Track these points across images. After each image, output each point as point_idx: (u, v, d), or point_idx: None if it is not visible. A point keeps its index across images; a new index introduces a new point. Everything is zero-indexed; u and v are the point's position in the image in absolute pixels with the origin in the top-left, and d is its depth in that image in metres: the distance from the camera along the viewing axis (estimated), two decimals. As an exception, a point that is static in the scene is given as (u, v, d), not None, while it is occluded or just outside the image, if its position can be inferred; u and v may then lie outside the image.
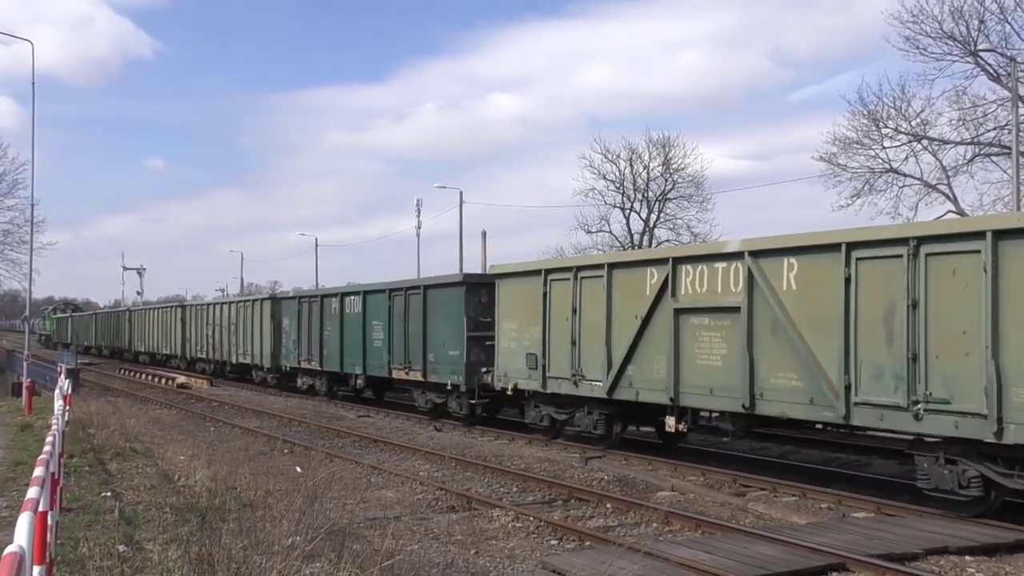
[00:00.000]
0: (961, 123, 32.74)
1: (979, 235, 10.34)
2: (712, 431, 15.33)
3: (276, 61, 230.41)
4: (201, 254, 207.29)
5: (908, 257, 10.94)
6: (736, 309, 13.27)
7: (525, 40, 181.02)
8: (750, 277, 13.08)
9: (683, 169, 49.61)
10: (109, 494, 11.98)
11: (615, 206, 50.47)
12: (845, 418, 11.74)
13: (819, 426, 13.49)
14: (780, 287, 12.68)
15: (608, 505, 12.22)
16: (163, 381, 38.09)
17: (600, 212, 50.56)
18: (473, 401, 20.28)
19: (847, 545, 9.33)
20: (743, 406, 13.08)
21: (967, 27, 31.63)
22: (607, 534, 10.47)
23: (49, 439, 9.49)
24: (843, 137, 35.14)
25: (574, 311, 16.56)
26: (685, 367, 14.18)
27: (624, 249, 46.38)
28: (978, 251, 10.25)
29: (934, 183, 34.37)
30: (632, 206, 50.48)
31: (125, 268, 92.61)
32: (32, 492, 5.65)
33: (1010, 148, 29.76)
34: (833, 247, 11.93)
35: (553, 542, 10.33)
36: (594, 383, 16.03)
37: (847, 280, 11.65)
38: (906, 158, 34.47)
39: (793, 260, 12.56)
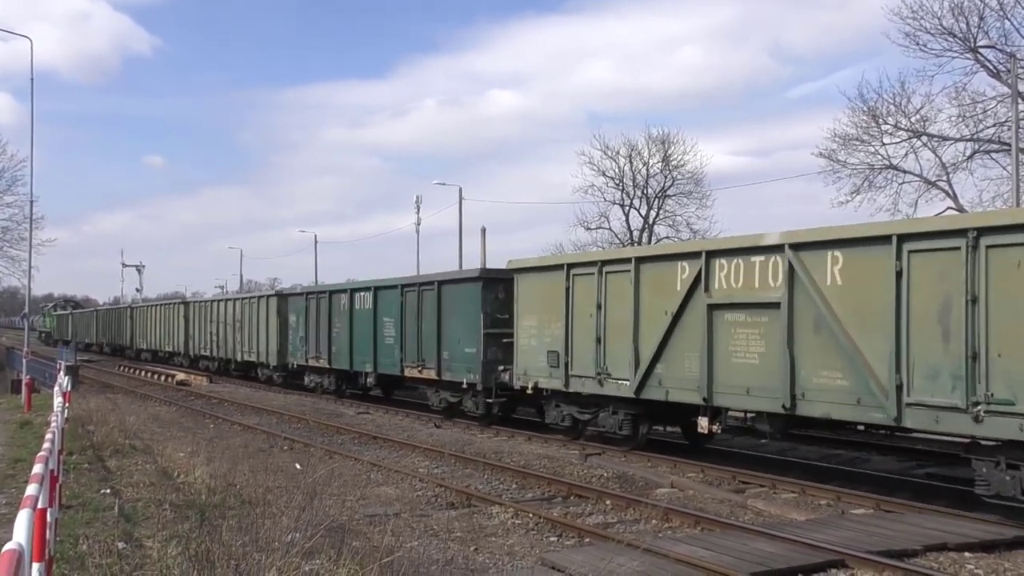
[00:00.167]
0: (961, 119, 32.79)
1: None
2: (743, 432, 14.79)
3: (275, 58, 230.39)
4: (200, 251, 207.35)
5: (967, 249, 10.26)
6: (775, 305, 12.68)
7: (524, 36, 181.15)
8: (791, 271, 12.48)
9: (682, 166, 49.64)
10: (108, 491, 11.98)
11: (614, 203, 50.51)
12: (896, 420, 11.10)
13: (860, 427, 12.89)
14: (823, 281, 12.04)
15: (608, 502, 12.23)
16: (162, 378, 38.08)
17: (600, 209, 50.63)
18: (490, 400, 19.67)
19: (846, 541, 9.33)
20: (783, 406, 12.46)
21: (967, 23, 31.67)
22: (606, 531, 10.47)
23: (48, 436, 9.49)
24: (843, 133, 35.21)
25: (599, 307, 15.98)
26: (719, 366, 13.58)
27: (623, 246, 46.35)
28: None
29: (933, 180, 34.40)
30: (632, 203, 50.52)
31: (124, 265, 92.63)
32: (31, 489, 5.64)
33: (1010, 144, 29.74)
34: (882, 239, 11.28)
35: (552, 539, 10.33)
36: (620, 382, 15.47)
37: (898, 274, 11.02)
38: (906, 154, 34.53)
39: (838, 253, 11.91)
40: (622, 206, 50.53)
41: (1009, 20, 31.29)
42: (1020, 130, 28.24)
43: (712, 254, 13.91)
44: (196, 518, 9.57)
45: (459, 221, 49.64)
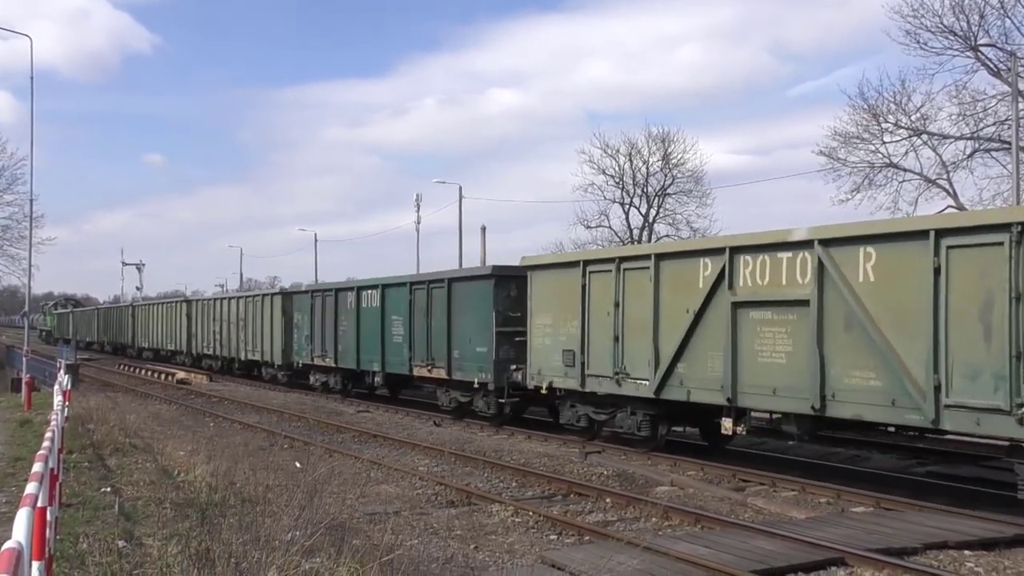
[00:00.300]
0: (961, 118, 32.77)
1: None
2: (768, 433, 14.50)
3: (275, 56, 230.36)
4: (199, 250, 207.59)
5: (1010, 244, 9.90)
6: (804, 302, 12.24)
7: (524, 35, 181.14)
8: (820, 268, 12.06)
9: (682, 164, 49.65)
10: (108, 490, 11.98)
11: (614, 201, 50.53)
12: (934, 422, 10.72)
13: (891, 429, 12.56)
14: (855, 278, 11.63)
15: (607, 500, 12.23)
16: (162, 377, 38.07)
17: (599, 207, 50.65)
18: (503, 400, 19.23)
19: (846, 539, 9.34)
20: (812, 407, 12.04)
21: (967, 22, 31.66)
22: (606, 529, 10.48)
23: (48, 435, 9.49)
24: (843, 131, 35.21)
25: (617, 305, 15.57)
26: (744, 365, 13.15)
27: (624, 244, 46.34)
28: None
29: (934, 178, 34.39)
30: (631, 201, 50.52)
31: (124, 264, 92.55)
32: (31, 487, 5.64)
33: (1010, 143, 29.73)
34: (919, 235, 10.91)
35: (552, 537, 10.33)
36: (639, 382, 15.10)
37: (936, 271, 10.62)
38: (906, 153, 34.53)
39: (871, 249, 11.48)
40: (622, 204, 50.58)
41: (1010, 18, 31.32)
42: (1020, 129, 28.23)
43: (736, 250, 13.45)
44: (196, 516, 9.57)
45: (459, 219, 49.70)
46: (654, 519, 11.02)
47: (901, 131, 34.36)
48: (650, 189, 50.29)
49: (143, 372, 41.67)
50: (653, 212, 50.34)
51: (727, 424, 13.78)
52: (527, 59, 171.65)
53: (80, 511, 10.49)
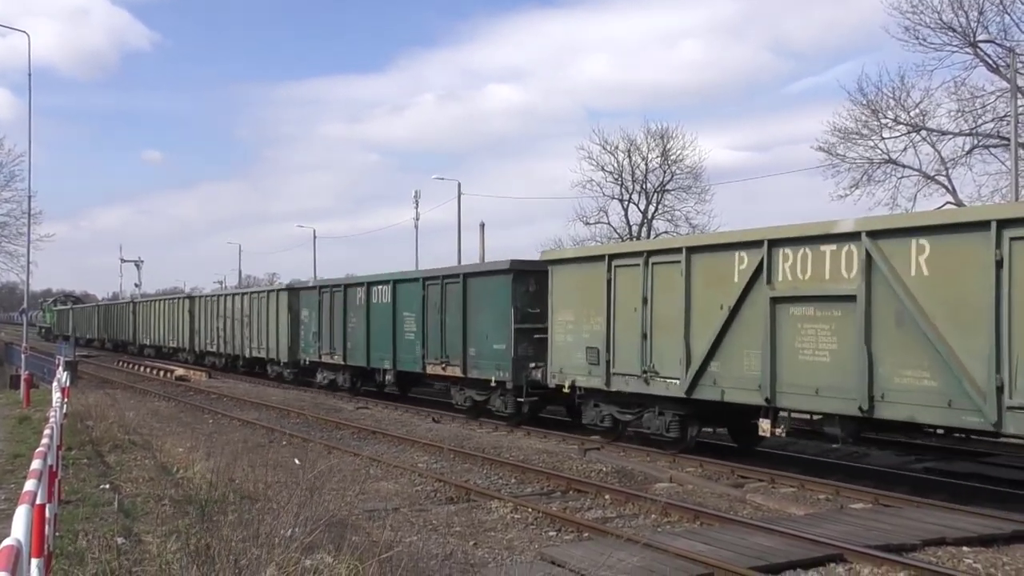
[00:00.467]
0: (960, 114, 32.76)
1: None
2: (808, 435, 13.92)
3: (273, 52, 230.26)
4: (198, 246, 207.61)
5: None
6: (850, 298, 11.65)
7: (523, 31, 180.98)
8: (868, 261, 11.45)
9: (681, 160, 49.66)
10: (108, 486, 11.98)
11: (613, 197, 50.54)
12: (995, 425, 10.19)
13: (939, 431, 11.94)
14: (907, 272, 11.06)
15: (607, 496, 12.23)
16: (161, 373, 38.05)
17: (599, 204, 50.68)
18: (521, 399, 18.59)
19: (845, 536, 9.35)
20: (860, 408, 11.47)
21: (966, 18, 31.64)
22: (605, 525, 10.49)
23: (47, 431, 9.50)
24: (842, 127, 35.22)
25: (645, 300, 14.98)
26: (784, 364, 12.55)
27: (622, 240, 46.34)
28: None
29: (932, 174, 34.39)
30: (630, 197, 50.53)
31: (123, 260, 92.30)
32: (30, 485, 5.64)
33: (1009, 140, 29.72)
34: (979, 225, 10.35)
35: (552, 533, 10.33)
36: (669, 381, 14.51)
37: (998, 263, 10.08)
38: (905, 149, 34.53)
39: (924, 241, 10.91)
40: (621, 201, 50.58)
41: (1008, 15, 31.29)
42: (1019, 125, 28.22)
43: (775, 243, 12.85)
44: (195, 513, 9.56)
45: (458, 216, 49.66)
46: (653, 515, 11.02)
47: (900, 127, 34.39)
48: (649, 185, 50.34)
49: (142, 369, 41.64)
50: (652, 208, 50.39)
51: (764, 426, 13.15)
52: (526, 55, 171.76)
53: (79, 508, 10.49)
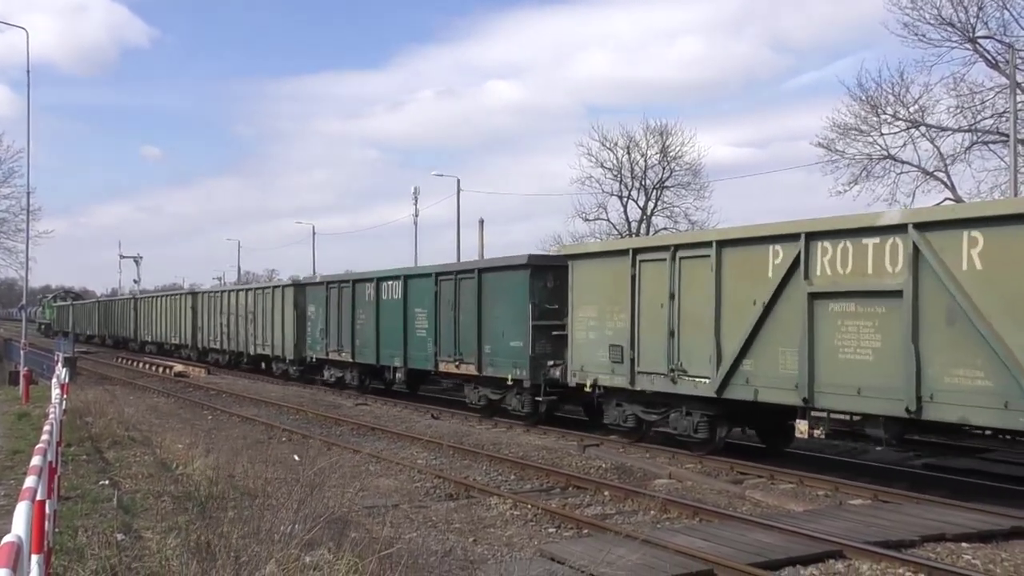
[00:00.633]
0: (959, 110, 32.70)
1: None
2: (847, 437, 13.55)
3: (272, 48, 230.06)
4: (197, 242, 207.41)
5: None
6: (895, 293, 11.15)
7: (522, 27, 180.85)
8: (916, 255, 10.96)
9: (680, 157, 49.61)
10: (107, 483, 11.98)
11: (612, 194, 50.47)
12: None
13: (988, 432, 11.50)
14: (958, 266, 10.54)
15: (606, 493, 12.24)
16: (160, 369, 38.04)
17: (598, 200, 50.58)
18: (539, 398, 18.16)
19: (844, 532, 9.36)
20: (907, 409, 10.98)
21: (966, 13, 31.57)
22: (605, 522, 10.50)
23: (47, 428, 9.49)
24: (841, 123, 35.17)
25: (672, 296, 14.49)
26: (823, 362, 12.05)
27: (621, 237, 46.32)
28: None
29: (932, 170, 34.38)
30: (630, 194, 50.48)
31: (122, 256, 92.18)
32: (30, 481, 5.64)
33: (1008, 136, 29.70)
34: None
35: (551, 530, 10.35)
36: (698, 380, 14.05)
37: None
38: (904, 145, 34.48)
39: (977, 234, 10.39)
40: (620, 197, 50.52)
41: (1008, 10, 31.22)
42: (1018, 121, 28.21)
43: (813, 236, 12.34)
44: (195, 510, 9.57)
45: (457, 212, 49.61)
46: (652, 512, 11.03)
47: (899, 123, 34.35)
48: (648, 182, 50.29)
49: (141, 365, 41.62)
50: (651, 205, 50.36)
51: (802, 427, 12.62)
52: (525, 52, 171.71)
53: (79, 504, 10.49)
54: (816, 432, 12.55)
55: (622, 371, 15.53)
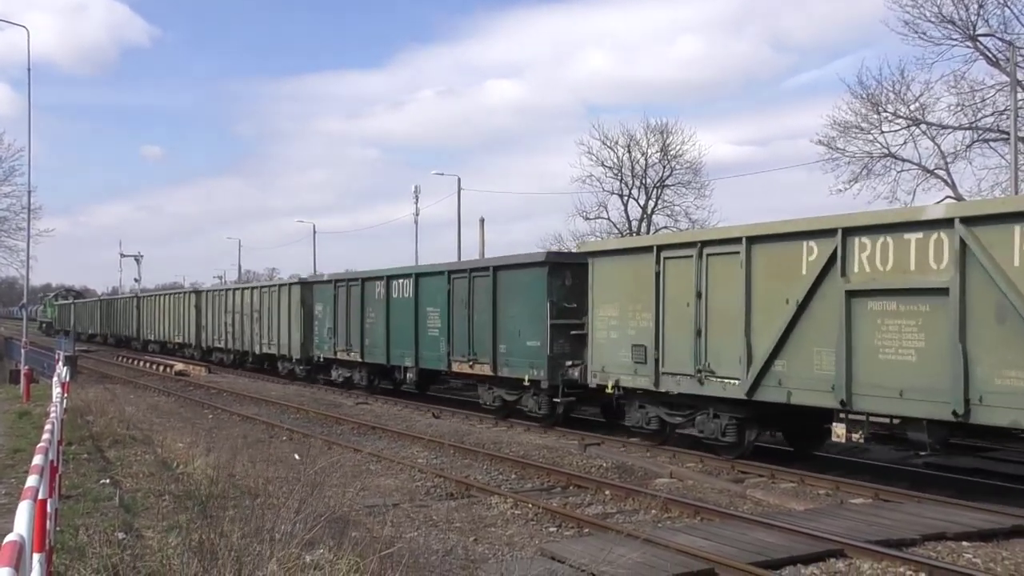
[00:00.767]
0: (960, 108, 32.71)
1: None
2: (887, 441, 13.04)
3: (272, 47, 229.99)
4: (198, 241, 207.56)
5: None
6: (941, 291, 10.67)
7: (523, 26, 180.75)
8: (963, 250, 10.47)
9: (681, 155, 49.57)
10: (108, 481, 11.99)
11: (613, 193, 50.43)
12: None
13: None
14: (1009, 262, 10.04)
15: (607, 492, 12.24)
16: (161, 368, 38.05)
17: (598, 199, 50.53)
18: (557, 399, 17.74)
19: (845, 531, 9.36)
20: (954, 412, 10.49)
21: (966, 11, 31.57)
22: (606, 521, 10.50)
23: (48, 426, 9.48)
24: (842, 121, 35.16)
25: (699, 295, 14.05)
26: (861, 363, 11.56)
27: (622, 235, 46.31)
28: None
29: (932, 168, 34.37)
30: (630, 193, 50.44)
31: (123, 255, 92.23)
32: (31, 480, 5.64)
33: (1008, 133, 29.68)
34: None
35: (552, 529, 10.35)
36: (727, 381, 13.60)
37: None
38: (904, 143, 34.47)
39: None
40: (621, 196, 50.48)
41: (1009, 8, 31.22)
42: (1019, 119, 28.19)
43: (850, 231, 11.85)
44: (196, 508, 9.57)
45: (458, 211, 49.60)
46: (653, 511, 11.03)
47: (900, 121, 34.34)
48: (648, 181, 50.23)
49: (141, 364, 41.63)
50: (652, 204, 50.33)
51: (839, 431, 12.10)
52: (525, 51, 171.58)
53: (80, 503, 10.49)
54: (855, 436, 12.06)
55: (645, 372, 15.14)
